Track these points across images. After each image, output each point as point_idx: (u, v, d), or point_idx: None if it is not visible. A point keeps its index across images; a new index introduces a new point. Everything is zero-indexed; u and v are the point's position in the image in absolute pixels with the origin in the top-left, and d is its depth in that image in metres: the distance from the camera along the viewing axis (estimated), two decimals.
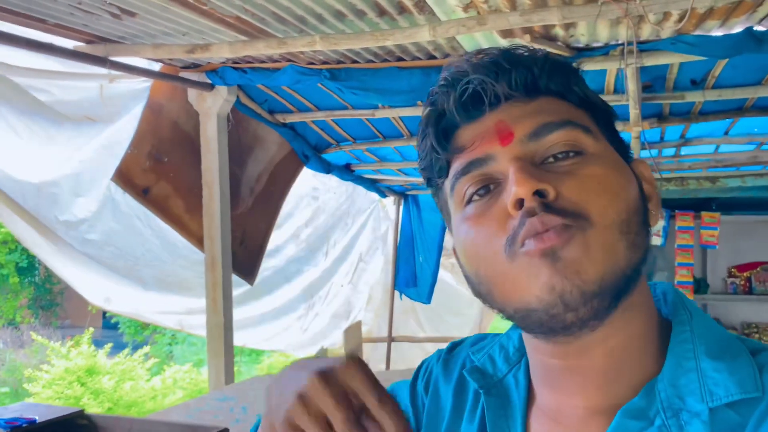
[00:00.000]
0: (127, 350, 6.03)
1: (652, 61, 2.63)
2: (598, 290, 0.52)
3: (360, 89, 2.98)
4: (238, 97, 3.43)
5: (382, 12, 2.15)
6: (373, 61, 2.90)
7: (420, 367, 0.79)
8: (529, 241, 0.53)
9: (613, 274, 0.53)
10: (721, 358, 0.56)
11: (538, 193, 0.53)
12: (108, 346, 5.71)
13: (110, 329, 11.41)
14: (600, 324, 0.55)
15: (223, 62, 3.09)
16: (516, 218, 0.54)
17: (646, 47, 2.64)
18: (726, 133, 3.98)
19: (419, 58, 2.83)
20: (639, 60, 2.64)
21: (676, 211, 2.51)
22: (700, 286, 3.69)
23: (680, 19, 2.28)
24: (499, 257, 0.55)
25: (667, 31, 2.46)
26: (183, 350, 8.76)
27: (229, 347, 3.33)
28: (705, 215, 2.56)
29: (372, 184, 5.36)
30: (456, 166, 0.60)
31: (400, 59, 2.86)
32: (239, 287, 3.69)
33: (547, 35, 2.50)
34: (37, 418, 1.47)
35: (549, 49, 2.64)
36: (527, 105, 0.58)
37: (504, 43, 2.64)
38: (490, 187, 0.58)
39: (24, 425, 1.45)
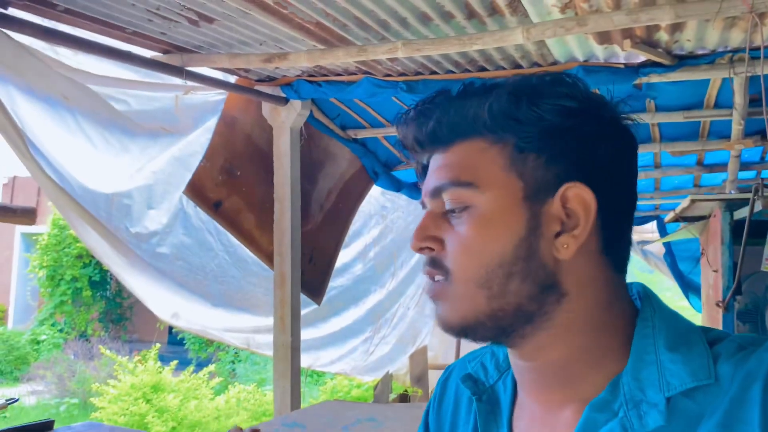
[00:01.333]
0: (191, 368, 6.01)
1: (766, 69, 2.37)
2: (464, 328, 0.64)
3: None
4: (311, 111, 3.35)
5: (471, 14, 2.00)
6: (453, 72, 2.76)
7: (428, 404, 0.87)
8: (427, 287, 0.67)
9: (475, 318, 0.62)
10: (677, 349, 0.60)
11: (429, 247, 0.64)
12: (173, 363, 5.70)
13: (176, 345, 11.57)
14: (515, 342, 0.64)
15: (298, 75, 3.02)
16: None
17: (758, 54, 2.40)
18: None
19: (503, 68, 2.67)
20: (751, 69, 2.40)
21: None
22: None
23: None
24: None
25: None
26: (246, 369, 8.74)
27: (296, 369, 3.21)
28: None
29: None
30: None
31: (483, 69, 2.70)
32: (306, 307, 3.58)
33: (649, 40, 2.29)
34: None
35: (648, 56, 2.43)
36: (441, 156, 0.66)
37: (599, 50, 2.44)
38: None
39: None
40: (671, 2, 1.83)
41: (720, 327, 2.23)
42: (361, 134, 3.80)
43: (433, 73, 2.79)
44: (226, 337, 3.42)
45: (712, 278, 2.33)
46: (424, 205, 0.69)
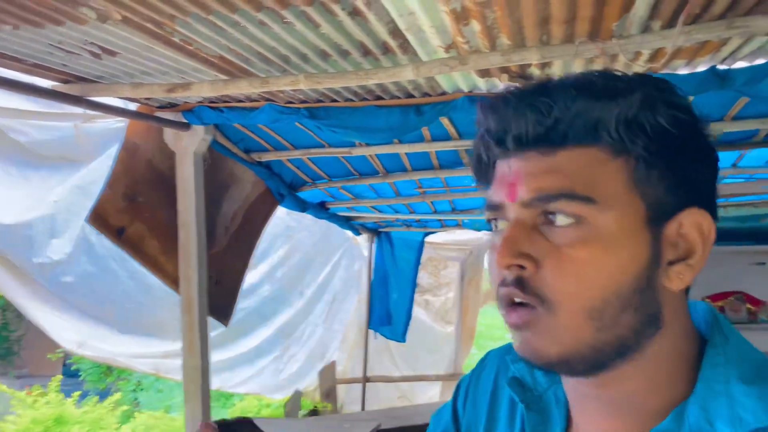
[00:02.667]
0: (95, 398, 5.79)
1: None
2: (558, 363, 0.57)
3: (339, 127, 3.01)
4: (214, 136, 3.42)
5: (366, 52, 2.19)
6: (352, 100, 2.94)
7: (458, 385, 0.83)
8: (502, 310, 0.60)
9: (577, 353, 0.56)
10: (753, 383, 0.55)
11: (520, 266, 0.57)
12: (76, 394, 5.48)
13: (71, 377, 10.97)
14: (598, 374, 0.59)
15: (200, 102, 3.09)
16: (499, 274, 0.60)
17: None
18: (734, 165, 4.09)
19: (398, 97, 2.88)
20: None
21: None
22: None
23: (650, 59, 2.38)
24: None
25: (637, 69, 2.56)
26: (150, 397, 8.46)
27: (206, 391, 3.23)
28: None
29: (346, 222, 5.36)
30: (487, 194, 0.65)
31: (379, 98, 2.90)
32: (214, 329, 3.62)
33: (523, 74, 2.57)
34: None
35: None
36: (543, 159, 0.58)
37: (481, 82, 2.70)
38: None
39: None
40: (538, 45, 2.10)
41: None
42: (266, 157, 3.90)
43: (333, 101, 2.96)
44: (135, 363, 3.39)
45: None
46: (493, 210, 0.62)
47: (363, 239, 6.05)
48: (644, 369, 0.59)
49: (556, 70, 2.59)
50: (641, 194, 0.57)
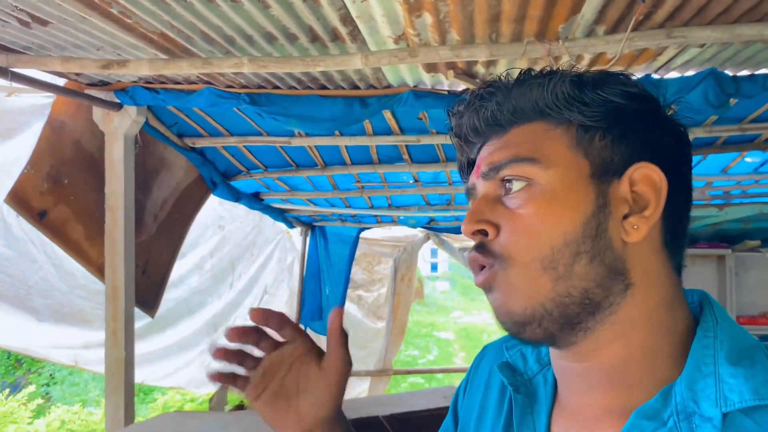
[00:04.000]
0: (6, 391, 5.42)
1: None
2: (527, 319, 0.60)
3: (281, 115, 2.94)
4: (146, 118, 3.27)
5: (314, 38, 2.15)
6: (295, 88, 2.88)
7: (460, 385, 0.87)
8: (475, 275, 0.64)
9: (540, 305, 0.59)
10: (739, 363, 0.56)
11: (481, 231, 0.63)
12: None
13: None
14: (576, 338, 0.61)
15: (134, 81, 2.95)
16: None
17: None
18: None
19: (342, 87, 2.84)
20: None
21: None
22: None
23: (591, 63, 2.46)
24: None
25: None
26: (63, 391, 8.03)
27: (129, 384, 3.09)
28: None
29: (280, 214, 5.27)
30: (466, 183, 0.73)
31: (323, 87, 2.86)
32: (139, 320, 3.46)
33: (468, 71, 2.60)
34: None
35: (467, 85, 2.75)
36: (499, 139, 0.66)
37: (427, 77, 2.71)
38: None
39: None
40: (487, 42, 2.12)
41: None
42: (200, 143, 3.77)
43: (276, 87, 2.89)
44: (52, 354, 3.20)
45: None
46: (470, 194, 0.68)
47: (296, 232, 5.97)
48: (621, 335, 0.60)
49: (500, 70, 2.63)
50: (584, 154, 0.62)
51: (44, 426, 4.74)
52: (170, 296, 3.89)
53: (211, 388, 4.86)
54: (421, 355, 10.57)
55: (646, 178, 0.61)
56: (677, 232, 0.63)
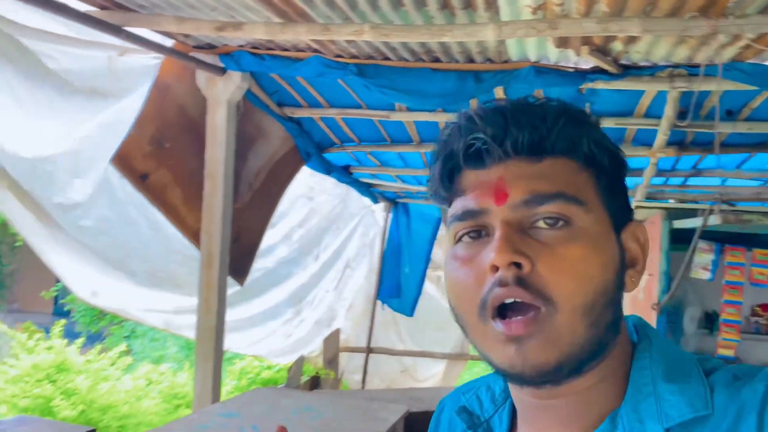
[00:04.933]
0: (98, 347, 5.63)
1: (703, 86, 2.52)
2: (555, 369, 0.58)
3: (388, 88, 2.80)
4: (249, 85, 3.19)
5: (445, 5, 1.97)
6: (406, 60, 2.72)
7: None
8: (498, 323, 0.57)
9: (571, 355, 0.57)
10: (674, 380, 0.60)
11: (515, 264, 0.57)
12: (79, 341, 5.29)
13: (61, 317, 10.87)
14: (573, 380, 0.60)
15: (241, 45, 2.87)
16: (490, 281, 0.58)
17: (694, 72, 2.54)
18: (738, 167, 3.94)
19: (457, 61, 2.66)
20: (688, 84, 2.53)
21: (727, 245, 2.40)
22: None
23: (747, 45, 2.17)
24: (473, 313, 0.60)
25: (724, 56, 2.35)
26: (143, 345, 8.35)
27: (218, 352, 3.08)
28: (757, 252, 2.46)
29: (367, 189, 5.17)
30: (456, 207, 0.63)
31: (437, 60, 2.68)
32: (229, 288, 3.44)
33: (604, 48, 2.36)
34: None
35: (598, 64, 2.51)
36: (529, 166, 0.60)
37: (554, 52, 2.49)
38: (481, 232, 0.61)
39: None
40: (640, 15, 1.88)
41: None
42: (298, 113, 3.69)
43: (386, 58, 2.74)
44: (146, 317, 3.23)
45: (644, 281, 2.47)
46: (471, 216, 0.61)
47: (379, 208, 5.86)
48: (600, 374, 0.61)
49: (638, 48, 2.38)
50: (604, 203, 0.61)
51: (131, 384, 4.88)
52: (259, 266, 3.86)
53: (291, 359, 4.87)
54: None
55: (635, 236, 0.64)
56: None
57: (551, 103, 0.63)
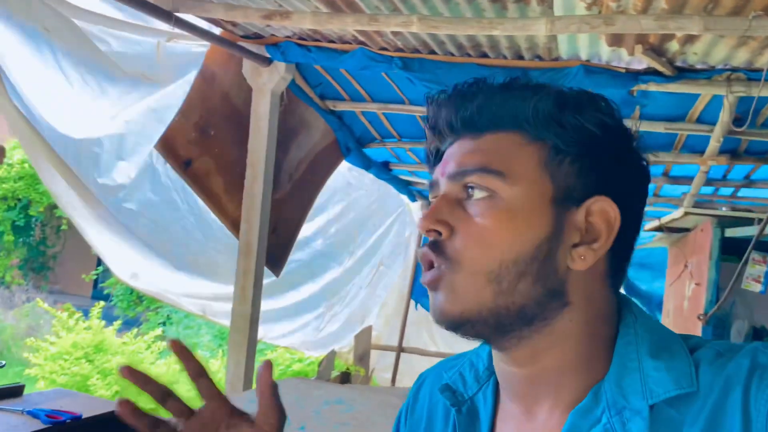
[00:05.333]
0: (135, 330, 5.75)
1: (763, 92, 2.41)
2: (462, 322, 0.61)
3: (433, 83, 2.76)
4: (293, 76, 3.20)
5: None
6: (453, 54, 2.68)
7: (398, 415, 0.85)
8: (423, 272, 0.64)
9: (477, 312, 0.61)
10: (659, 357, 0.61)
11: (437, 231, 0.62)
12: (117, 323, 5.42)
13: (100, 300, 11.13)
14: (510, 343, 0.63)
15: (287, 36, 2.87)
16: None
17: (753, 76, 2.44)
18: None
19: (505, 57, 2.61)
20: (748, 89, 2.44)
21: None
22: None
23: None
24: None
25: None
26: (178, 333, 8.48)
27: (252, 341, 3.09)
28: None
29: (405, 186, 5.14)
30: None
31: (484, 55, 2.64)
32: (265, 278, 3.46)
33: (659, 48, 2.29)
34: (82, 413, 1.24)
35: (651, 64, 2.43)
36: (470, 142, 0.64)
37: (606, 51, 2.42)
38: None
39: (68, 421, 1.21)
40: (701, 13, 1.81)
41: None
42: (340, 106, 3.68)
43: (432, 52, 2.71)
44: (184, 302, 3.27)
45: (690, 290, 2.38)
46: (432, 188, 0.68)
47: (416, 207, 5.82)
48: (558, 345, 0.62)
49: (695, 50, 2.30)
50: (551, 176, 0.62)
51: (165, 369, 4.96)
52: (294, 257, 3.87)
53: (322, 352, 4.88)
54: None
55: (603, 212, 0.62)
56: (621, 260, 0.65)
57: (509, 80, 0.65)
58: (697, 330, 2.25)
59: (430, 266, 0.63)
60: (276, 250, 3.61)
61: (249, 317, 3.06)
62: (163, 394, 0.69)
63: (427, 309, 5.96)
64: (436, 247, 0.62)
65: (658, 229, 2.71)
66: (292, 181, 3.68)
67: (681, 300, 2.50)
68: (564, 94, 0.64)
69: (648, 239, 3.56)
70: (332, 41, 2.81)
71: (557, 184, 0.62)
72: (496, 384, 0.71)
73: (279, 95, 3.13)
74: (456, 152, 0.65)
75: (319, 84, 3.48)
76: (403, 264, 5.81)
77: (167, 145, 2.75)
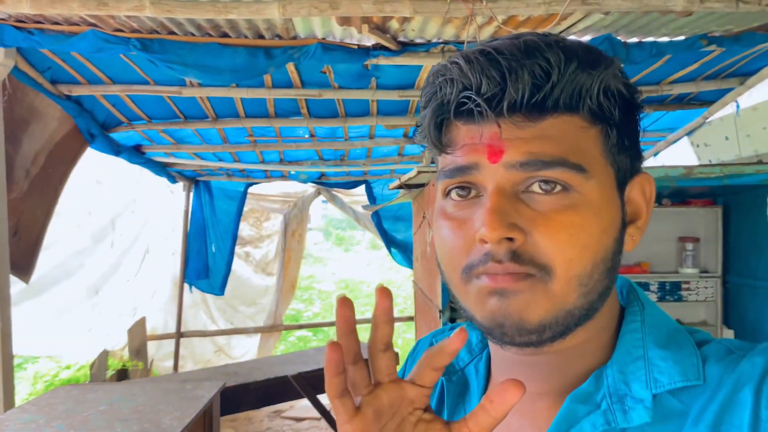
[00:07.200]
0: None
1: None
2: (537, 329, 0.55)
3: (176, 63, 2.72)
4: (15, 62, 2.89)
5: None
6: (193, 35, 2.67)
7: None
8: (484, 278, 0.55)
9: (558, 319, 0.55)
10: (667, 347, 0.59)
11: (507, 238, 0.54)
12: None
13: None
14: (557, 341, 0.58)
15: (3, 19, 2.58)
16: (479, 250, 0.55)
17: (461, 47, 2.84)
18: None
19: (246, 36, 2.68)
20: None
21: None
22: None
23: (498, 27, 2.50)
24: (457, 274, 0.57)
25: (483, 35, 2.67)
26: None
27: (7, 357, 2.81)
28: None
29: (162, 169, 4.95)
30: (445, 162, 0.59)
31: (225, 35, 2.67)
32: (12, 286, 3.14)
33: (382, 26, 2.55)
34: None
35: (378, 41, 2.70)
36: (528, 125, 0.54)
37: (338, 30, 2.62)
38: (471, 189, 0.57)
39: None
40: None
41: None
42: (76, 91, 3.41)
43: (172, 33, 2.66)
44: None
45: (430, 237, 2.76)
46: (462, 172, 0.56)
47: (179, 188, 5.66)
48: (585, 335, 0.60)
49: (412, 27, 2.60)
50: (612, 161, 0.58)
51: None
52: (46, 259, 3.55)
53: (92, 356, 4.57)
54: (305, 308, 10.59)
55: (641, 187, 0.61)
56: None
57: (559, 45, 0.55)
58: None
59: (503, 273, 0.54)
60: (21, 254, 3.28)
61: (0, 332, 2.77)
62: (356, 356, 0.52)
63: (203, 290, 5.89)
64: (517, 257, 0.53)
65: (400, 187, 3.05)
66: (30, 177, 3.34)
67: (424, 246, 2.89)
68: (614, 63, 0.56)
69: (394, 195, 3.97)
70: (57, 23, 2.60)
71: (617, 167, 0.58)
72: (489, 357, 0.69)
73: (0, 84, 2.82)
74: (514, 136, 0.54)
75: (48, 68, 3.19)
76: (171, 248, 5.63)
77: None
